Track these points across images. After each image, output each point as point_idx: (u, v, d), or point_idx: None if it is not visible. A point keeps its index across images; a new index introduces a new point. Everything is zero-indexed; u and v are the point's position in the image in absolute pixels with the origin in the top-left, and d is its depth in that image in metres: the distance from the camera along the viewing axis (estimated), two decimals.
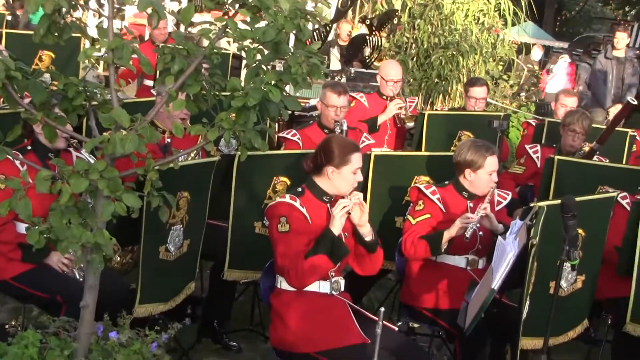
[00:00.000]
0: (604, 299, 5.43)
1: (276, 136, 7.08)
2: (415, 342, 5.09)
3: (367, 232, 4.49)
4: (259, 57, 3.52)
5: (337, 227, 4.32)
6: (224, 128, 3.56)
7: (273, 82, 3.47)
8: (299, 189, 4.50)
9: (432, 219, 5.02)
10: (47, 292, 4.69)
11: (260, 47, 3.48)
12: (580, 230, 4.65)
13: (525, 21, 14.34)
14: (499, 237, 4.34)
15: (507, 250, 3.98)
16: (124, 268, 5.66)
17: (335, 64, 12.13)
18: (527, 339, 4.58)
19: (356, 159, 4.46)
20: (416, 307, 5.11)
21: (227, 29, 3.51)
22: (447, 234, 4.84)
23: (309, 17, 3.39)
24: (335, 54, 12.51)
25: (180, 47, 3.56)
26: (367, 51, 12.64)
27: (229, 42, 3.47)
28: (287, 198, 4.41)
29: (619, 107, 11.15)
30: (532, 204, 4.43)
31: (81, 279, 4.74)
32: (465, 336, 4.60)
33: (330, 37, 13.15)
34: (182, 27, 11.74)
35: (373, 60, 12.42)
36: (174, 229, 4.75)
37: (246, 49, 3.47)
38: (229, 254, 5.36)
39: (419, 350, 4.65)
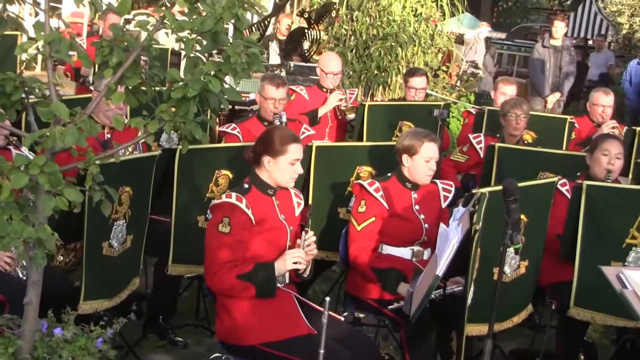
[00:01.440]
0: (547, 285, 5.49)
1: (217, 130, 7.04)
2: (362, 331, 5.09)
3: (307, 271, 4.49)
4: (197, 47, 3.48)
5: (281, 271, 4.33)
6: (164, 120, 3.51)
7: (212, 72, 3.44)
8: (245, 186, 4.46)
9: (377, 221, 5.01)
10: None
11: (199, 37, 3.45)
12: (522, 216, 4.70)
13: (462, 12, 14.45)
14: (441, 225, 4.36)
15: (450, 237, 4.00)
16: (68, 267, 5.61)
17: (274, 58, 12.11)
18: (472, 325, 4.60)
19: (294, 150, 4.44)
20: (361, 298, 5.11)
21: (165, 21, 3.48)
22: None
23: (246, 6, 3.36)
24: (274, 48, 12.50)
25: (119, 39, 3.51)
26: (306, 45, 12.64)
27: (167, 34, 3.40)
28: (233, 198, 4.34)
29: (557, 95, 11.38)
30: (474, 191, 4.45)
31: (24, 278, 4.67)
32: (411, 325, 4.63)
33: (269, 31, 13.14)
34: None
35: (312, 53, 12.42)
36: (117, 225, 4.70)
37: (185, 39, 3.44)
38: (172, 249, 5.33)
39: (365, 339, 4.64)
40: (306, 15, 12.42)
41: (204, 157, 5.36)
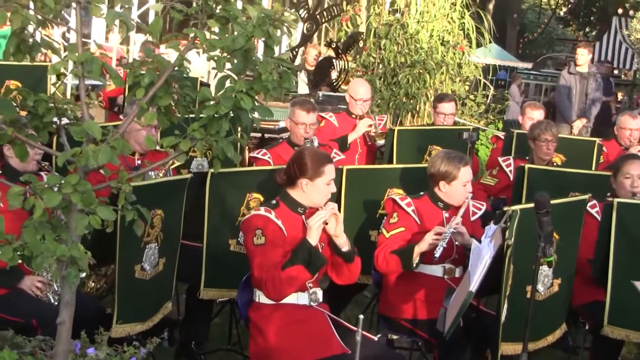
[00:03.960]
0: (580, 305, 5.46)
1: (247, 157, 7.07)
2: (395, 351, 5.07)
3: (343, 243, 4.49)
4: (228, 65, 3.51)
5: (314, 238, 4.32)
6: (196, 139, 3.54)
7: (244, 90, 3.47)
8: (274, 202, 4.51)
9: (407, 231, 5.02)
10: (22, 316, 4.63)
11: (230, 56, 3.48)
12: (554, 234, 4.68)
13: (489, 42, 14.50)
14: (474, 241, 4.37)
15: (483, 253, 3.99)
16: (99, 293, 5.63)
17: (303, 88, 12.17)
18: (506, 344, 4.58)
19: (329, 170, 4.49)
20: (395, 318, 5.10)
21: (196, 41, 3.51)
22: (418, 249, 4.84)
23: (277, 24, 3.39)
24: (302, 78, 12.56)
25: (150, 59, 3.55)
26: (334, 74, 12.69)
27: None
28: (262, 210, 4.41)
29: (583, 120, 11.35)
30: (505, 208, 4.44)
31: (56, 303, 4.71)
32: (445, 345, 4.62)
33: (297, 61, 13.21)
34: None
35: (340, 83, 12.46)
36: (149, 247, 4.72)
37: (216, 58, 3.47)
38: (204, 273, 5.34)
39: (399, 358, 4.63)
40: (334, 45, 12.48)
41: (235, 181, 5.39)
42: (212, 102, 3.53)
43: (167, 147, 3.59)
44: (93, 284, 5.59)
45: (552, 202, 4.25)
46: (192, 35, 3.52)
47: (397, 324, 5.09)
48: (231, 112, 3.52)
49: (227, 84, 3.54)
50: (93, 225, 3.38)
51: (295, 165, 4.48)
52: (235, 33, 3.46)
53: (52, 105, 3.56)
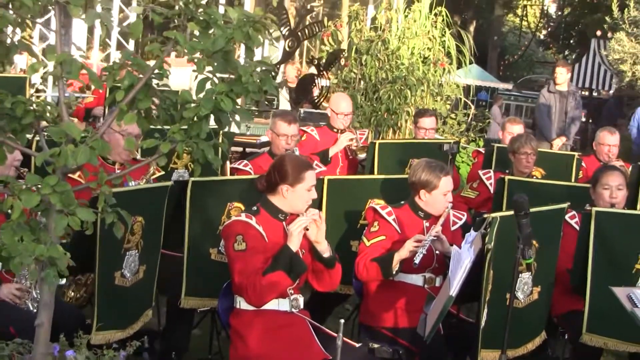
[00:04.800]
0: (559, 315, 5.48)
1: (228, 168, 7.07)
2: (376, 357, 5.07)
3: (324, 249, 4.50)
4: (209, 68, 3.52)
5: (294, 244, 4.32)
6: (176, 140, 3.54)
7: (224, 92, 3.48)
8: (254, 208, 4.52)
9: (387, 240, 5.03)
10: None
11: (210, 59, 3.49)
12: (534, 242, 4.69)
13: (470, 63, 14.60)
14: (454, 247, 4.37)
15: (463, 258, 4.01)
16: (79, 303, 5.59)
17: (284, 104, 12.20)
18: (486, 351, 4.59)
19: (310, 177, 4.50)
20: (375, 327, 5.10)
21: (177, 44, 3.52)
22: (397, 257, 4.85)
23: (257, 25, 3.40)
24: (284, 95, 12.60)
25: (130, 62, 3.55)
26: (316, 92, 12.73)
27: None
28: (243, 216, 4.41)
29: (563, 139, 11.42)
30: (485, 215, 4.47)
31: (34, 310, 4.67)
32: (425, 353, 4.63)
33: (279, 78, 13.24)
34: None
35: (322, 100, 12.49)
36: (129, 254, 4.71)
37: (196, 60, 3.48)
38: (185, 282, 5.31)
39: None
40: (315, 63, 12.51)
41: (216, 190, 5.38)
42: (192, 105, 3.54)
43: (147, 147, 3.59)
44: (73, 294, 5.54)
45: (531, 210, 4.28)
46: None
47: (378, 333, 5.09)
48: (212, 114, 3.53)
49: (208, 86, 3.55)
50: (72, 227, 3.37)
51: (276, 171, 4.48)
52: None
53: (31, 107, 3.55)
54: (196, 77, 3.67)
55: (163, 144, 3.56)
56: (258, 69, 3.55)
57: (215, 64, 3.50)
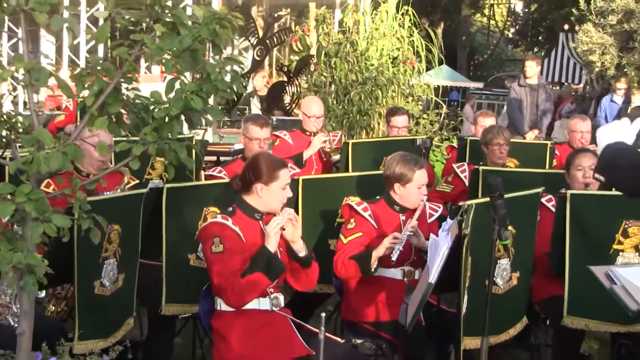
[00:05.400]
0: (540, 301, 5.52)
1: (202, 177, 7.07)
2: (359, 351, 5.07)
3: (300, 248, 4.51)
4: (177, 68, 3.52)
5: (272, 244, 4.32)
6: (148, 142, 3.54)
7: (194, 91, 3.48)
8: (230, 209, 4.52)
9: (364, 236, 5.04)
10: None
11: (178, 59, 3.50)
12: (510, 228, 4.72)
13: (440, 63, 14.68)
14: (431, 235, 4.40)
15: (440, 245, 4.03)
16: (60, 317, 5.56)
17: (256, 113, 12.22)
18: (469, 338, 4.59)
19: (284, 175, 4.51)
20: (357, 322, 5.12)
21: (145, 46, 3.52)
22: (375, 254, 4.87)
23: (224, 22, 3.42)
24: (255, 103, 12.63)
25: (99, 67, 3.55)
26: (286, 99, 12.76)
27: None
28: (219, 218, 4.42)
29: (535, 131, 11.49)
30: (461, 203, 4.49)
31: (15, 325, 4.65)
32: (408, 345, 4.65)
33: (250, 87, 13.27)
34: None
35: (293, 107, 12.53)
36: (108, 263, 4.69)
37: (164, 60, 3.48)
38: (165, 288, 5.31)
39: (363, 358, 4.64)
40: (285, 70, 12.55)
41: (192, 195, 5.39)
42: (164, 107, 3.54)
43: (120, 151, 3.59)
44: (53, 308, 5.51)
45: (506, 196, 4.31)
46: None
47: (360, 328, 5.10)
48: (182, 114, 3.54)
49: (177, 86, 3.55)
50: (48, 233, 3.36)
51: (250, 170, 4.49)
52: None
53: (2, 119, 3.54)
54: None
55: (135, 146, 3.55)
56: (228, 68, 3.57)
57: (184, 63, 3.51)
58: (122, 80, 3.59)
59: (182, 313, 5.52)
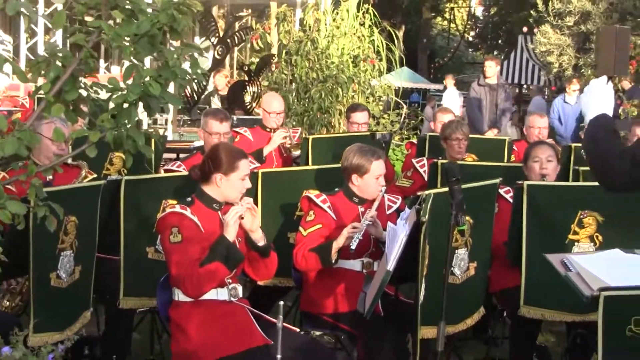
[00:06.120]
0: (497, 292, 5.57)
1: (162, 170, 7.04)
2: (319, 341, 5.08)
3: (259, 237, 4.51)
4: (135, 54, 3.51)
5: (231, 233, 4.32)
6: (106, 128, 3.51)
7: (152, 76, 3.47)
8: (189, 199, 4.51)
9: (324, 228, 5.05)
10: None
11: (136, 45, 3.48)
12: (467, 218, 4.75)
13: (401, 65, 14.76)
14: (389, 224, 4.42)
15: (399, 232, 4.05)
16: (14, 312, 5.51)
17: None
18: (426, 328, 4.60)
19: (244, 165, 4.51)
20: (317, 314, 5.12)
21: (102, 32, 3.50)
22: (336, 245, 4.87)
23: (182, 7, 3.41)
24: (216, 102, 12.61)
25: (55, 54, 3.53)
26: (247, 98, 12.75)
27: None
28: (177, 208, 4.40)
29: (495, 131, 11.58)
30: (419, 193, 4.51)
31: None
32: (366, 336, 4.67)
33: (210, 86, 13.25)
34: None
35: (254, 107, 12.54)
36: (64, 255, 4.65)
37: (122, 47, 3.46)
38: (123, 282, 5.28)
39: (323, 348, 4.65)
40: (246, 69, 12.55)
41: (150, 188, 5.37)
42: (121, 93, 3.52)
43: (76, 137, 3.56)
44: (8, 303, 5.45)
45: (464, 186, 4.34)
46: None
47: (319, 320, 5.10)
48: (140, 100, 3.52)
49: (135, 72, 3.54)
50: (3, 220, 3.33)
51: (210, 160, 4.49)
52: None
53: None
54: None
55: (92, 133, 3.53)
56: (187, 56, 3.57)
57: (142, 49, 3.49)
58: (80, 67, 3.58)
59: (140, 307, 5.49)
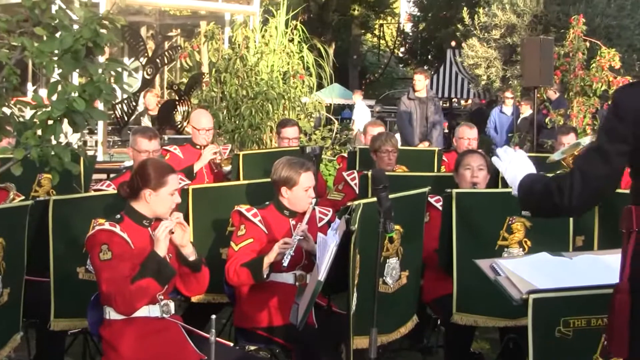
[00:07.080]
0: (431, 301, 5.62)
1: (92, 191, 6.97)
2: (254, 355, 5.07)
3: (190, 252, 4.50)
4: (59, 71, 3.50)
5: (162, 249, 4.30)
6: (31, 145, 3.49)
7: (77, 93, 3.46)
8: (118, 216, 4.47)
9: (255, 242, 5.03)
10: None
11: (60, 60, 3.47)
12: (397, 227, 4.79)
13: (332, 82, 14.82)
14: (319, 234, 4.43)
15: (329, 242, 4.06)
16: None
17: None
18: (359, 337, 4.61)
19: (173, 180, 4.49)
20: (250, 329, 5.10)
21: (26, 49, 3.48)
22: (267, 260, 4.86)
23: (105, 22, 3.41)
24: (146, 122, 12.53)
25: None
26: (178, 117, 12.70)
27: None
28: (107, 225, 4.36)
29: (426, 144, 11.71)
30: (349, 203, 4.54)
31: None
32: (301, 348, 4.67)
33: (140, 107, 13.18)
34: None
35: (185, 126, 12.49)
36: None
37: (45, 63, 3.45)
38: (53, 303, 5.20)
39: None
40: (176, 88, 12.50)
41: (79, 207, 5.31)
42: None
43: (1, 157, 3.53)
44: None
45: (392, 196, 4.37)
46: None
47: (254, 334, 5.09)
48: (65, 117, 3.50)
49: (59, 88, 3.52)
50: None
51: (138, 176, 4.46)
52: None
53: None
54: None
55: (16, 151, 3.51)
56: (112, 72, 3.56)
57: (65, 64, 3.48)
58: (3, 86, 3.55)
59: (72, 328, 5.42)
